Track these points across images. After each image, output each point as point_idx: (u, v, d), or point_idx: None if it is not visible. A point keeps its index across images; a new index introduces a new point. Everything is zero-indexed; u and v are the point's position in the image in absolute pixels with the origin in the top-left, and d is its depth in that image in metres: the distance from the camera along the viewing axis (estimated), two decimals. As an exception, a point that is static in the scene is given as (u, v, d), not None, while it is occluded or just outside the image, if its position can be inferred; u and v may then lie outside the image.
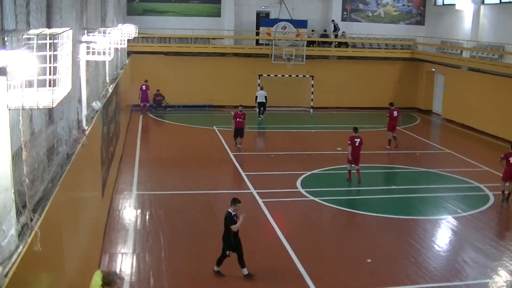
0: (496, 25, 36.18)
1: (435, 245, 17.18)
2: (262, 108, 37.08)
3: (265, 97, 37.10)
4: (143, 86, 37.86)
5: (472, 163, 26.96)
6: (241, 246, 14.33)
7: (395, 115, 29.76)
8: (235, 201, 14.26)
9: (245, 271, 14.34)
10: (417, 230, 18.27)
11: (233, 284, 14.14)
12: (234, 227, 14.06)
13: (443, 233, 18.32)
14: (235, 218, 14.11)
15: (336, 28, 42.44)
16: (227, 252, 14.29)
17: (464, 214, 19.76)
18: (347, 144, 23.19)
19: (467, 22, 38.73)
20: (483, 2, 37.46)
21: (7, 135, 6.11)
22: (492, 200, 21.42)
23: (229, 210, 14.21)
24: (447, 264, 15.81)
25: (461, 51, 38.27)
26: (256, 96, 37.20)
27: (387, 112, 30.30)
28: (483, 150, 30.61)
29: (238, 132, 27.90)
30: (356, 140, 23.14)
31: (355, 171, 23.10)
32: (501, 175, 21.64)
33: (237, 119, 27.73)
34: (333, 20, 42.71)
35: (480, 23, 37.67)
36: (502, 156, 21.73)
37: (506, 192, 21.28)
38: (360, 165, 23.23)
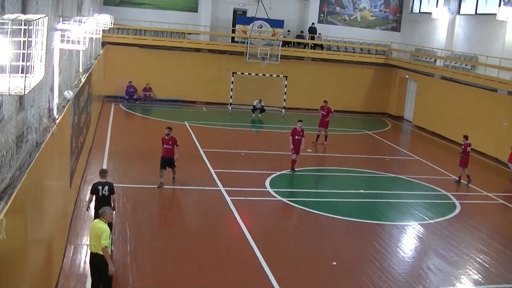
0: (471, 36, 36.57)
1: (400, 251, 17.29)
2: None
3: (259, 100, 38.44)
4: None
5: (441, 171, 27.22)
6: None
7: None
8: None
9: None
10: (383, 235, 18.38)
11: (197, 281, 14.08)
12: None
13: (409, 239, 18.44)
14: None
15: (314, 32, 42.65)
16: None
17: (430, 221, 19.94)
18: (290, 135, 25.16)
19: (442, 31, 39.13)
20: (459, 12, 37.87)
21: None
22: (458, 208, 21.64)
23: None
24: (411, 270, 15.92)
25: (435, 60, 38.60)
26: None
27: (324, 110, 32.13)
28: (451, 158, 30.82)
29: (166, 163, 21.20)
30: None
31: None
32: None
33: (165, 146, 21.19)
34: (313, 23, 42.89)
35: (455, 33, 38.08)
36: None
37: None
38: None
